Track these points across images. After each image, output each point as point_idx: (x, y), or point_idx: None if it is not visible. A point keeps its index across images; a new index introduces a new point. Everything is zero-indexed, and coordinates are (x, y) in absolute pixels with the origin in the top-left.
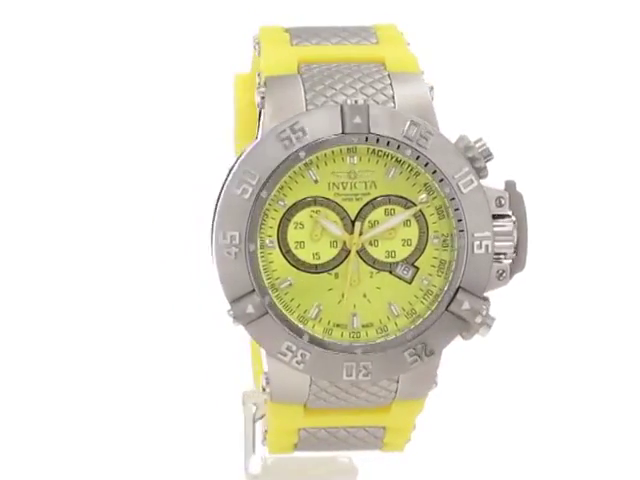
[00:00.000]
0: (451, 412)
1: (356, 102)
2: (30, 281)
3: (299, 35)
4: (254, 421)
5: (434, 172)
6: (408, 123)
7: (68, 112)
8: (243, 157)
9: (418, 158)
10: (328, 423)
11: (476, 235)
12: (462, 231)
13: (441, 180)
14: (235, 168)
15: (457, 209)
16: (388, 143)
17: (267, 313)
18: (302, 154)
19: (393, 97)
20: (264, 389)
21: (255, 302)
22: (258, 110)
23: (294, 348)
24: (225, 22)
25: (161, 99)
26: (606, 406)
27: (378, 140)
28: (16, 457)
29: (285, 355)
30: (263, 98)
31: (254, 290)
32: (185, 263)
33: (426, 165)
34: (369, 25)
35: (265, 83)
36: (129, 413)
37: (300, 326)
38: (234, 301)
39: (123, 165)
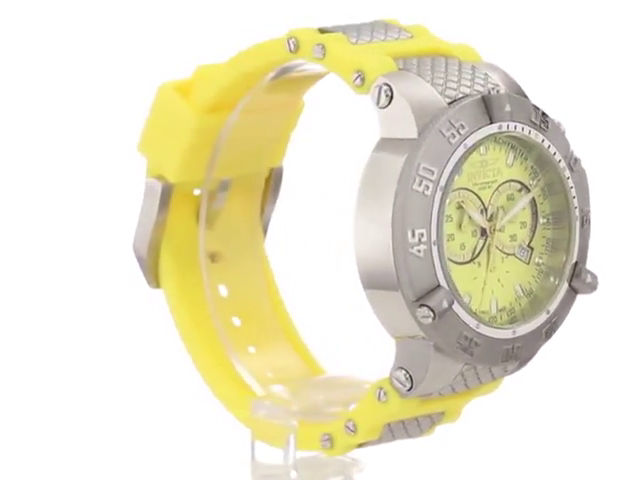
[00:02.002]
0: None
1: (497, 92)
2: None
3: (350, 34)
4: None
5: (543, 153)
6: (531, 108)
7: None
8: (419, 154)
9: (543, 141)
10: (418, 412)
11: (584, 210)
12: (576, 208)
13: (559, 160)
14: (409, 165)
15: (571, 187)
16: (523, 129)
17: (452, 306)
18: (463, 148)
19: (498, 85)
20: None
21: (446, 296)
22: (381, 110)
23: (469, 338)
24: None
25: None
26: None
27: (515, 127)
28: None
29: (461, 345)
30: (390, 97)
31: (439, 285)
32: None
33: (548, 147)
34: (382, 20)
35: (385, 83)
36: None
37: (472, 316)
38: (421, 298)
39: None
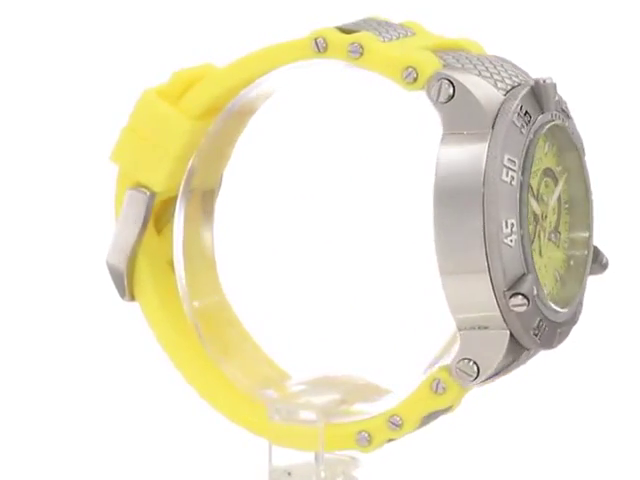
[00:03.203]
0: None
1: (544, 81)
2: None
3: (375, 32)
4: None
5: (570, 140)
6: (558, 96)
7: None
8: (502, 146)
9: (568, 128)
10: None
11: (594, 195)
12: (592, 192)
13: (577, 147)
14: (493, 156)
15: (587, 172)
16: (560, 117)
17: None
18: (532, 136)
19: (524, 75)
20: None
21: (534, 283)
22: (442, 105)
23: (542, 323)
24: None
25: None
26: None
27: (558, 116)
28: None
29: (535, 331)
30: (452, 91)
31: (526, 273)
32: None
33: (572, 134)
34: (379, 17)
35: (445, 78)
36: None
37: (544, 302)
38: (512, 287)
39: None
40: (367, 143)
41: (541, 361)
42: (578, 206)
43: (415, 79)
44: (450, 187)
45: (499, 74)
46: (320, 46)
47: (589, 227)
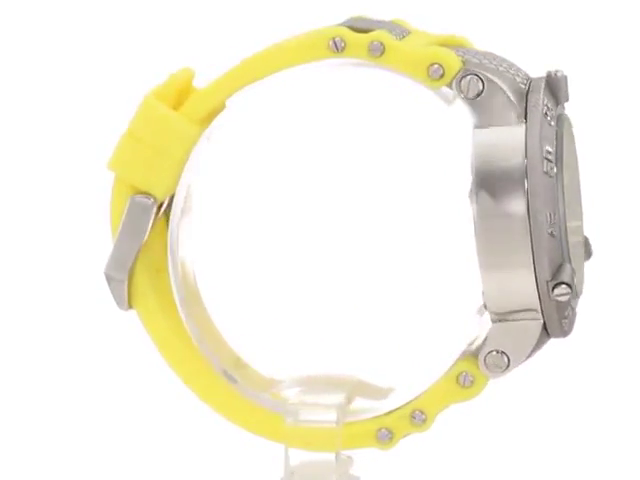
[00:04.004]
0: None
1: (556, 74)
2: None
3: (386, 29)
4: None
5: (569, 130)
6: None
7: None
8: (540, 137)
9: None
10: None
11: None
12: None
13: (574, 136)
14: (533, 149)
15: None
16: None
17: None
18: (557, 127)
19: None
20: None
21: (572, 272)
22: (472, 100)
23: (569, 312)
24: None
25: None
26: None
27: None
28: None
29: (565, 319)
30: (482, 86)
31: (564, 262)
32: None
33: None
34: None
35: (474, 73)
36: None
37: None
38: (555, 277)
39: None
40: (378, 141)
41: (541, 361)
42: (575, 194)
43: (442, 75)
44: (490, 182)
45: (511, 68)
46: (338, 46)
47: (582, 215)
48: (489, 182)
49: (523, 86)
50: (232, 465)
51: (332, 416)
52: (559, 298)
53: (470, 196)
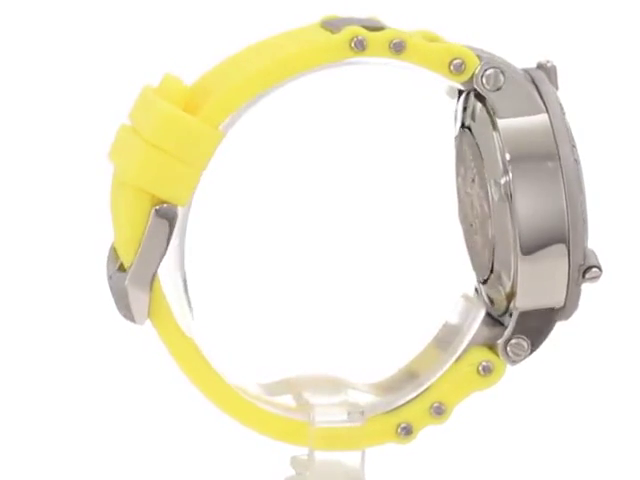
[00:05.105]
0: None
1: (548, 64)
2: None
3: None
4: None
5: None
6: None
7: None
8: (566, 126)
9: None
10: None
11: None
12: None
13: None
14: (563, 138)
15: None
16: None
17: None
18: (564, 115)
19: None
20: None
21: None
22: (494, 93)
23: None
24: None
25: None
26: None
27: None
28: None
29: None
30: (503, 78)
31: (587, 246)
32: None
33: None
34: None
35: (494, 67)
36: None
37: None
38: (585, 260)
39: None
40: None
41: (540, 361)
42: None
43: (463, 70)
44: (527, 172)
45: (507, 61)
46: (359, 45)
47: None
48: (527, 174)
49: (529, 79)
50: (236, 466)
51: (356, 415)
52: (590, 282)
53: (505, 186)
